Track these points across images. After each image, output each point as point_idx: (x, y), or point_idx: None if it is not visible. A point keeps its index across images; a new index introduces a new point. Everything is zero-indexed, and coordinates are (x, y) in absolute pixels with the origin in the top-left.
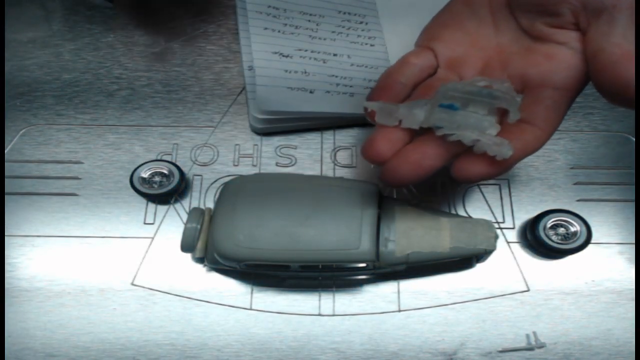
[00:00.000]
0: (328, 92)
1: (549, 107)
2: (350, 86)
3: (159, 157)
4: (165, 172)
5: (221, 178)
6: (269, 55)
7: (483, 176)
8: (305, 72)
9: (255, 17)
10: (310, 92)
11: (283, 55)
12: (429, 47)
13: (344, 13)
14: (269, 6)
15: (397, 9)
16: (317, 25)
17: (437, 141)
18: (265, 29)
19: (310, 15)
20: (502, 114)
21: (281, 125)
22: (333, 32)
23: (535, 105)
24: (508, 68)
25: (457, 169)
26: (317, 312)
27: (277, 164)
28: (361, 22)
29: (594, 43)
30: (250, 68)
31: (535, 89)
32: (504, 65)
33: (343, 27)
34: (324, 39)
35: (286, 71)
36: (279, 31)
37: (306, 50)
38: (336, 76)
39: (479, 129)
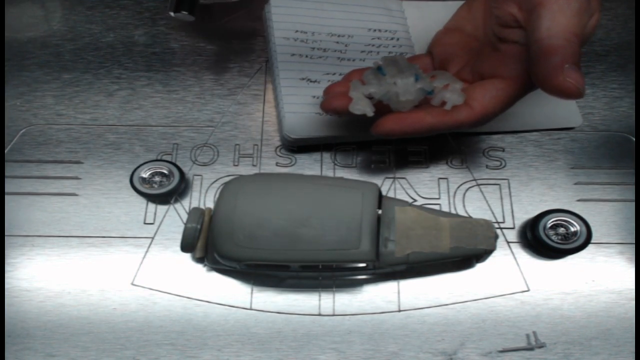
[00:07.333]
0: None
1: (488, 92)
2: None
3: (159, 157)
4: (165, 172)
5: (221, 178)
6: (297, 82)
7: (394, 132)
8: None
9: (282, 44)
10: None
11: (311, 81)
12: (428, 52)
13: (374, 30)
14: (297, 30)
15: (427, 20)
16: (345, 46)
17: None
18: (293, 55)
19: (339, 36)
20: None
21: (313, 140)
22: (362, 51)
23: (476, 90)
24: (475, 64)
25: (374, 127)
26: (317, 312)
27: (277, 164)
28: (392, 38)
29: (527, 39)
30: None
31: (487, 79)
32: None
33: (373, 44)
34: (353, 60)
35: (314, 97)
36: (306, 56)
37: (334, 74)
38: None
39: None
